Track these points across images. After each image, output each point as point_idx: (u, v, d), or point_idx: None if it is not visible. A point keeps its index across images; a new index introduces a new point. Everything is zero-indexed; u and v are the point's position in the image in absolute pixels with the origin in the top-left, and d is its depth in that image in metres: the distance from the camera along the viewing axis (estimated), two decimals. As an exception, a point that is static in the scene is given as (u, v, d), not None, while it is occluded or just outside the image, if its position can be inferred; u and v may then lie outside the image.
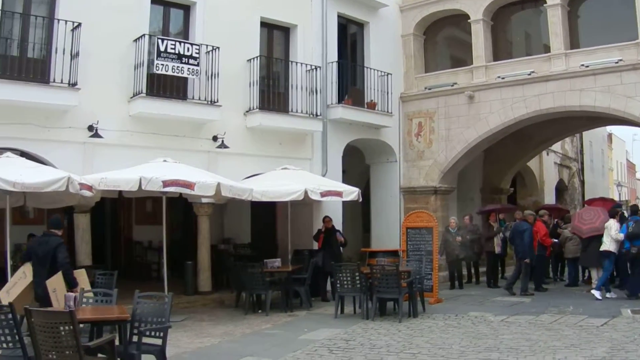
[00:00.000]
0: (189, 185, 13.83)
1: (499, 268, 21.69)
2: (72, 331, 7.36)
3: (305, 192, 16.39)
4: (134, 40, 16.45)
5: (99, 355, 8.47)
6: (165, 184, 13.59)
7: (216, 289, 18.41)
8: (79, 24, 15.16)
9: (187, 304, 16.73)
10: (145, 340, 9.06)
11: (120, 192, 15.78)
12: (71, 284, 10.86)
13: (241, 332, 13.69)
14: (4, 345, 8.22)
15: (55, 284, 10.67)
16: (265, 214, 21.43)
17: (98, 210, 16.64)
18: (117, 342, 8.79)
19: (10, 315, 8.07)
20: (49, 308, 9.29)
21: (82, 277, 11.43)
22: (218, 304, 17.55)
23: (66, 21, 15.07)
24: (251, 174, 18.37)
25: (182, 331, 13.36)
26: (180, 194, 15.48)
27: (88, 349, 7.86)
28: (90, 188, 13.40)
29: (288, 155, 19.37)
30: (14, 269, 13.62)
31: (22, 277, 11.51)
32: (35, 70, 15.13)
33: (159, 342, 9.10)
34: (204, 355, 11.51)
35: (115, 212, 22.08)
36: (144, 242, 22.00)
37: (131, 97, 16.38)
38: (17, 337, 8.09)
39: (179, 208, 19.57)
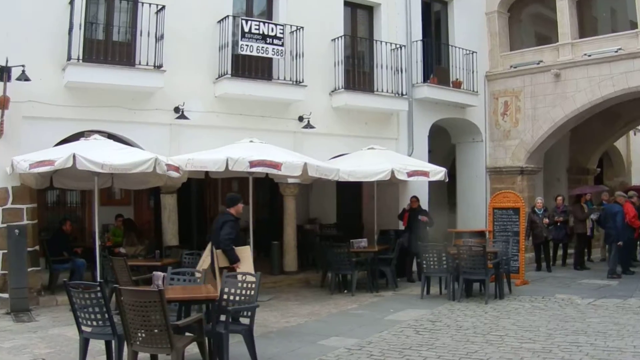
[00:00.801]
0: (276, 165, 13.84)
1: (586, 250, 21.17)
2: (161, 310, 7.41)
3: (392, 172, 16.26)
4: (217, 22, 16.56)
5: (187, 334, 8.54)
6: (252, 164, 13.62)
7: (302, 269, 18.49)
8: (163, 7, 15.33)
9: (273, 284, 16.83)
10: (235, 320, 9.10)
11: (206, 172, 15.94)
12: (232, 260, 11.29)
13: (327, 312, 13.69)
14: (94, 322, 8.37)
15: (221, 259, 11.33)
16: (350, 194, 21.41)
17: (184, 190, 16.83)
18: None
19: (100, 294, 8.18)
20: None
21: (245, 253, 11.69)
22: (304, 284, 17.62)
23: (150, 4, 15.26)
24: (337, 154, 18.32)
25: (269, 311, 13.42)
26: (267, 174, 15.55)
27: (176, 328, 7.93)
28: (177, 169, 13.58)
29: (373, 135, 19.22)
30: (102, 249, 13.97)
31: (208, 254, 12.00)
32: (121, 54, 15.43)
33: (246, 321, 9.12)
34: (290, 334, 11.51)
35: (201, 192, 22.31)
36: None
37: (216, 78, 16.51)
38: (106, 315, 8.21)
39: (265, 188, 19.71)
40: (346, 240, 16.99)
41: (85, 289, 8.42)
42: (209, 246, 11.99)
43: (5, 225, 13.93)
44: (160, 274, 8.74)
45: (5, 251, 13.83)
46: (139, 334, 7.72)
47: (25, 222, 14.23)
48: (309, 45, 17.45)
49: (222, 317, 8.94)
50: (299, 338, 11.17)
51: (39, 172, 13.10)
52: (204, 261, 12.07)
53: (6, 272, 13.86)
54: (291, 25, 17.25)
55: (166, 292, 7.82)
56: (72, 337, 10.83)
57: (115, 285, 7.96)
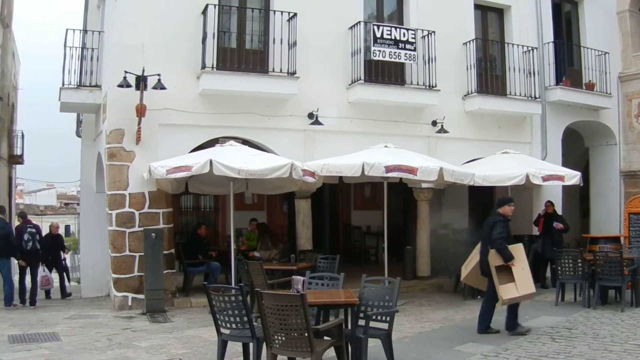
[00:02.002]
0: (412, 170, 13.75)
1: None
2: (302, 314, 7.44)
3: (527, 177, 15.93)
4: (349, 28, 16.63)
5: (325, 337, 8.56)
6: (388, 169, 13.60)
7: (434, 274, 18.28)
8: (295, 14, 15.49)
9: (405, 289, 16.68)
10: (371, 324, 9.06)
11: (340, 177, 16.01)
12: (506, 258, 11.33)
13: (461, 318, 13.50)
14: (233, 325, 8.50)
15: (494, 259, 11.35)
16: (483, 198, 21.07)
17: (317, 195, 16.95)
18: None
19: (240, 297, 8.29)
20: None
21: (518, 251, 11.63)
22: (436, 289, 17.46)
23: (282, 12, 15.48)
24: (470, 158, 18.12)
25: (403, 315, 13.31)
26: (400, 179, 15.50)
27: (316, 332, 7.94)
28: (312, 174, 13.71)
29: (506, 139, 18.87)
30: (237, 252, 14.20)
31: (476, 254, 12.22)
32: (254, 61, 15.68)
33: (384, 326, 9.06)
34: (425, 340, 11.40)
35: (334, 197, 22.42)
36: (362, 227, 22.28)
37: (349, 84, 16.59)
38: (245, 318, 8.31)
39: (397, 193, 19.62)
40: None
41: (226, 292, 8.56)
42: (478, 245, 12.10)
43: (142, 228, 14.44)
44: (300, 278, 8.78)
45: (142, 254, 14.31)
46: (278, 337, 7.77)
47: (161, 226, 14.73)
48: (440, 49, 17.29)
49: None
50: (434, 343, 11.05)
51: (175, 177, 13.47)
52: (472, 259, 12.42)
53: (142, 274, 14.35)
54: (422, 30, 17.14)
55: (307, 296, 7.84)
56: (207, 338, 11.14)
57: (257, 289, 8.03)
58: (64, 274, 18.44)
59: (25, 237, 16.20)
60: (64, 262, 17.75)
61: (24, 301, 16.21)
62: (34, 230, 16.55)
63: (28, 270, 16.63)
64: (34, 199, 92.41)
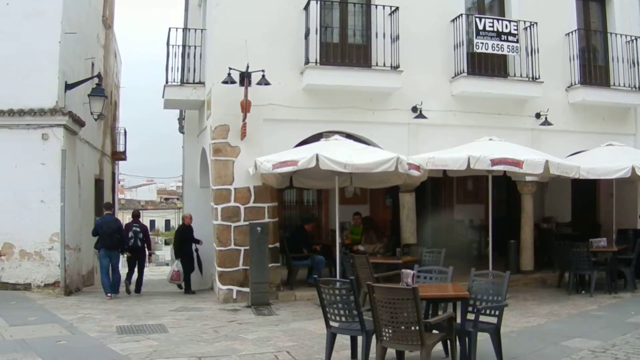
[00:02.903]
0: (517, 163, 13.52)
1: None
2: (413, 307, 7.42)
3: (632, 169, 15.48)
4: (451, 21, 16.48)
5: (433, 331, 8.51)
6: (494, 162, 13.41)
7: (538, 268, 17.99)
8: (397, 8, 15.44)
9: (509, 283, 16.44)
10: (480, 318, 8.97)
11: (444, 171, 15.90)
12: None
13: (567, 313, 13.22)
14: (342, 318, 8.55)
15: None
16: (586, 191, 20.63)
17: (419, 189, 16.85)
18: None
19: (350, 291, 8.32)
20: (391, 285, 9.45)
21: None
22: (540, 284, 17.17)
23: (384, 6, 15.43)
24: (574, 151, 17.67)
25: (507, 310, 12.91)
26: (504, 172, 15.30)
27: (426, 325, 7.90)
28: (418, 168, 13.62)
29: (610, 131, 18.34)
30: (342, 246, 14.26)
31: None
32: (357, 56, 15.71)
33: (492, 320, 8.95)
34: (531, 335, 11.21)
35: (436, 191, 22.26)
36: (465, 221, 22.09)
37: (452, 77, 16.46)
38: (354, 312, 8.33)
39: (501, 186, 19.39)
40: (581, 239, 16.40)
41: (336, 286, 8.60)
42: None
43: (247, 223, 14.63)
44: (409, 271, 8.74)
45: (247, 247, 14.48)
46: (387, 331, 7.76)
47: (266, 220, 14.92)
48: (542, 40, 16.94)
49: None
50: (540, 338, 10.85)
51: (281, 172, 13.58)
52: None
53: (247, 267, 14.56)
54: (524, 21, 16.85)
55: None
56: (313, 331, 11.20)
57: (368, 283, 8.04)
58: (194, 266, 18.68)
59: (130, 234, 18.19)
60: (196, 252, 18.26)
61: (129, 291, 18.00)
62: (138, 229, 18.42)
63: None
64: (134, 194, 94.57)
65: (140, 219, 19.73)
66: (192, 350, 10.05)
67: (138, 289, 18.33)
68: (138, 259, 18.70)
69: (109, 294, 17.05)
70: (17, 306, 14.60)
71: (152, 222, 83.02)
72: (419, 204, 16.97)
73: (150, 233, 20.14)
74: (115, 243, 17.49)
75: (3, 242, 16.88)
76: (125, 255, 19.24)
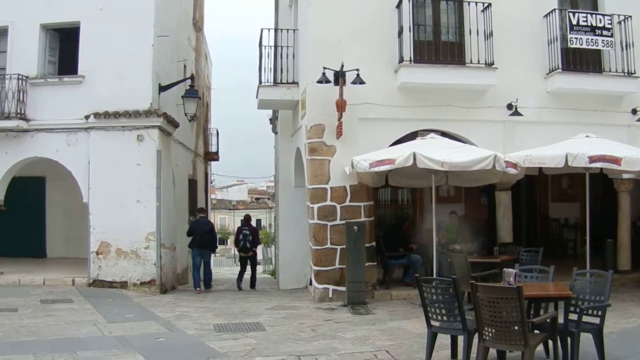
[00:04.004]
0: (616, 160, 13.18)
1: None
2: (517, 307, 7.33)
3: None
4: (544, 16, 16.20)
5: (535, 331, 8.39)
6: (592, 159, 13.11)
7: (634, 268, 17.54)
8: (489, 4, 15.30)
9: (607, 283, 16.14)
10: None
11: (539, 169, 15.66)
12: None
13: (668, 314, 12.87)
14: (443, 317, 8.51)
15: None
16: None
17: (514, 187, 16.63)
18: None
19: (452, 290, 8.27)
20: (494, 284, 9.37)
21: None
22: (637, 283, 16.69)
23: (476, 2, 15.31)
24: (673, 147, 17.11)
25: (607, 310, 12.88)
26: (601, 169, 14.97)
27: (528, 325, 7.80)
28: (515, 166, 13.48)
29: None
30: (437, 245, 14.18)
31: None
32: (451, 53, 15.58)
33: (594, 320, 8.77)
34: (632, 336, 10.93)
35: (531, 189, 21.93)
36: (560, 219, 21.72)
37: (547, 74, 16.15)
38: (456, 311, 8.29)
39: (596, 184, 18.97)
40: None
41: (438, 284, 8.56)
42: None
43: (343, 222, 14.66)
44: (511, 270, 8.65)
45: (344, 247, 14.54)
46: (489, 330, 7.68)
47: (362, 219, 14.93)
48: (637, 35, 16.48)
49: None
50: (642, 341, 10.63)
51: (378, 170, 13.57)
52: None
53: (343, 266, 14.61)
54: (618, 15, 16.42)
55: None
56: (411, 330, 11.16)
57: (472, 282, 7.98)
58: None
59: (240, 237, 20.88)
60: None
61: (240, 287, 20.53)
62: (248, 232, 20.79)
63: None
64: (225, 194, 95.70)
65: (251, 222, 21.88)
66: (291, 349, 10.10)
67: (253, 285, 21.02)
68: (249, 259, 21.14)
69: (198, 289, 19.01)
70: (114, 303, 15.05)
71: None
72: (513, 203, 16.76)
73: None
74: (206, 243, 19.46)
75: (100, 241, 17.45)
76: (240, 256, 21.66)
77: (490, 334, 7.68)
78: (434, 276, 13.23)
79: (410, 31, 15.05)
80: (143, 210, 17.44)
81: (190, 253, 19.79)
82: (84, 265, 18.02)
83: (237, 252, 23.52)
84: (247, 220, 21.96)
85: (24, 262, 20.87)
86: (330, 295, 14.91)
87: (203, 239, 19.28)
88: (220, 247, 41.74)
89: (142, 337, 11.07)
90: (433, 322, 8.63)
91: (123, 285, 17.31)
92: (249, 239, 20.71)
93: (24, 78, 17.97)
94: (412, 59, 15.06)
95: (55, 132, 18.09)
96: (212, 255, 20.91)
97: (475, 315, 7.73)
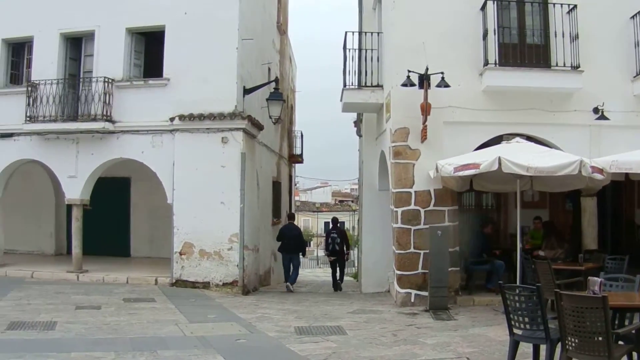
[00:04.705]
0: None
1: None
2: (602, 317, 7.18)
3: None
4: (630, 17, 15.73)
5: (619, 342, 8.19)
6: (680, 164, 12.79)
7: None
8: (575, 6, 14.96)
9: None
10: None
11: (626, 174, 15.30)
12: None
13: None
14: (526, 326, 8.35)
15: None
16: None
17: (599, 193, 16.26)
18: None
19: (536, 298, 8.15)
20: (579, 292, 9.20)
21: None
22: None
23: (562, 4, 15.00)
24: None
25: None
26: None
27: (613, 336, 7.63)
28: (601, 171, 13.16)
29: None
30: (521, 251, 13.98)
31: None
32: (536, 56, 15.31)
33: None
34: None
35: (616, 195, 21.43)
36: (646, 226, 21.21)
37: (634, 77, 15.65)
38: (539, 319, 8.15)
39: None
40: None
41: (521, 292, 8.44)
42: None
43: (427, 226, 14.59)
44: (596, 279, 8.47)
45: (427, 251, 14.46)
46: (572, 340, 7.53)
47: (446, 223, 14.82)
48: None
49: None
50: None
51: (463, 175, 13.45)
52: None
53: (426, 271, 14.53)
54: None
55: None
56: (493, 337, 11.01)
57: (556, 290, 7.84)
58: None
59: (329, 240, 22.15)
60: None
61: (336, 287, 22.03)
62: (335, 235, 22.13)
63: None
64: (309, 196, 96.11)
65: (338, 225, 23.36)
66: (371, 354, 10.09)
67: (338, 286, 22.03)
68: (338, 261, 22.37)
69: (288, 283, 20.38)
70: (196, 304, 15.28)
71: (327, 224, 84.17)
72: (598, 209, 16.41)
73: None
74: (295, 247, 21.02)
75: (184, 242, 17.76)
76: (330, 259, 22.86)
77: (573, 344, 7.52)
78: (518, 283, 13.04)
79: (495, 34, 14.87)
80: (227, 212, 17.68)
81: (273, 255, 20.09)
82: (167, 265, 18.38)
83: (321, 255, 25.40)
84: (334, 223, 23.13)
85: (108, 261, 21.44)
86: (412, 300, 14.85)
87: (292, 243, 20.79)
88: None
89: (222, 338, 11.22)
90: (515, 330, 8.50)
91: (205, 285, 17.58)
92: (337, 242, 21.95)
93: (110, 81, 18.45)
94: (497, 62, 14.88)
95: (140, 133, 18.52)
96: (301, 258, 22.42)
97: (559, 324, 7.60)
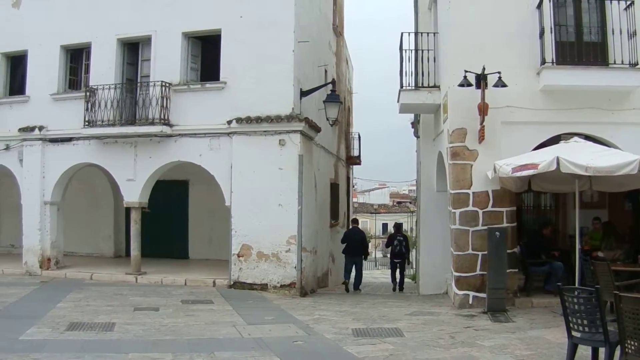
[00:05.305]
0: None
1: None
2: (662, 320, 7.07)
3: None
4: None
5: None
6: None
7: None
8: (632, 2, 14.73)
9: None
10: None
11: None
12: None
13: None
14: (585, 328, 8.27)
15: None
16: None
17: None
18: None
19: (595, 300, 8.04)
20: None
21: None
22: None
23: (618, 1, 14.79)
24: None
25: None
26: None
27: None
28: (661, 171, 12.92)
29: None
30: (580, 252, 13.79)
31: None
32: (594, 54, 15.08)
33: None
34: None
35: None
36: None
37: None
38: (598, 322, 8.06)
39: None
40: None
41: (580, 294, 8.34)
42: None
43: (486, 227, 14.48)
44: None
45: (485, 252, 14.33)
46: (632, 343, 7.41)
47: (504, 224, 14.68)
48: None
49: None
50: None
51: (521, 175, 13.31)
52: None
53: (485, 272, 14.41)
54: None
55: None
56: (551, 340, 10.87)
57: (615, 292, 7.72)
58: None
59: (395, 242, 22.67)
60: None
61: (395, 289, 22.85)
62: (401, 238, 22.76)
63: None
64: (367, 197, 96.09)
65: (401, 230, 24.18)
66: (429, 356, 10.06)
67: (401, 287, 22.94)
68: (400, 264, 23.01)
69: (347, 280, 21.54)
70: (254, 305, 15.40)
71: (384, 225, 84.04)
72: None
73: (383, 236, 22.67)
74: (358, 250, 21.86)
75: (242, 244, 17.91)
76: (395, 261, 23.19)
77: (633, 347, 7.40)
78: (576, 284, 12.87)
79: (551, 32, 14.69)
80: (284, 214, 17.77)
81: (331, 257, 20.20)
82: (225, 267, 18.55)
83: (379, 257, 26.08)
84: (398, 228, 24.00)
85: (167, 263, 21.75)
86: (470, 302, 14.77)
87: (356, 246, 21.72)
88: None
89: (280, 340, 11.28)
90: (574, 333, 8.42)
91: (263, 287, 17.68)
92: (403, 244, 22.60)
93: (167, 85, 18.70)
94: (554, 61, 14.69)
95: (197, 137, 18.75)
96: (364, 261, 23.13)
97: (618, 326, 7.49)
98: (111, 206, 24.99)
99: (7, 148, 21.22)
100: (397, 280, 23.07)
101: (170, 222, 23.82)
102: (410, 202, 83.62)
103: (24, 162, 20.79)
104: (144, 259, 19.80)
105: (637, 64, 14.60)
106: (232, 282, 18.02)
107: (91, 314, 13.39)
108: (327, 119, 20.01)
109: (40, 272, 20.15)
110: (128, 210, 20.47)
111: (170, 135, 18.89)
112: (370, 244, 32.13)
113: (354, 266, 21.80)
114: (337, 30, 28.23)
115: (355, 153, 34.99)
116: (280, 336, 11.66)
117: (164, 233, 23.47)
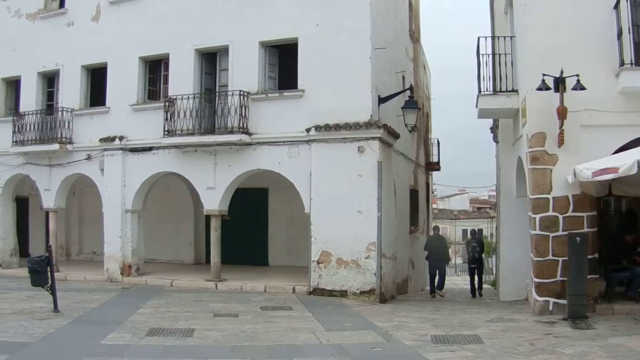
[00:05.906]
0: None
1: None
2: None
3: None
4: None
5: None
6: None
7: None
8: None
9: None
10: None
11: None
12: None
13: None
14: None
15: None
16: None
17: None
18: None
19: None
20: None
21: None
22: None
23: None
24: None
25: None
26: None
27: None
28: None
29: None
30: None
31: None
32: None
33: None
34: None
35: None
36: None
37: None
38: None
39: None
40: None
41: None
42: None
43: (566, 232, 14.25)
44: None
45: (566, 258, 14.09)
46: None
47: (585, 229, 14.40)
48: None
49: None
50: None
51: (601, 180, 13.08)
52: None
53: (565, 279, 14.17)
54: None
55: None
56: (633, 348, 10.71)
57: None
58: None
59: (469, 248, 23.62)
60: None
61: (474, 293, 23.21)
62: (475, 244, 23.35)
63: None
64: (447, 203, 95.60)
65: (477, 236, 24.96)
66: (507, 363, 9.93)
67: (480, 293, 23.24)
68: (478, 269, 23.54)
69: (432, 294, 22.14)
70: (333, 312, 15.52)
71: (464, 231, 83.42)
72: None
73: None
74: (440, 256, 22.66)
75: (321, 251, 18.04)
76: (471, 267, 24.02)
77: None
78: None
79: (629, 32, 14.34)
80: (364, 221, 17.84)
81: (410, 263, 20.25)
82: (304, 274, 18.71)
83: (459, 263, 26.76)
84: (473, 233, 24.85)
85: (246, 269, 22.06)
86: (550, 308, 14.54)
87: (437, 252, 22.50)
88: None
89: (358, 347, 11.30)
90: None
91: (342, 294, 17.76)
92: (477, 250, 23.21)
93: (246, 94, 18.98)
94: (633, 62, 14.31)
95: (276, 145, 19.01)
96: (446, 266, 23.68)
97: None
98: (191, 214, 25.43)
99: (89, 158, 21.88)
100: (475, 285, 23.34)
101: (250, 229, 24.13)
102: (490, 208, 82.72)
103: (105, 172, 21.42)
104: (224, 266, 20.09)
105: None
106: (311, 289, 18.17)
107: (171, 319, 13.67)
108: (406, 125, 20.02)
109: (121, 278, 20.70)
110: (208, 217, 20.83)
111: (249, 144, 19.16)
112: (450, 250, 32.35)
113: (437, 271, 22.52)
114: (414, 36, 28.20)
115: (435, 159, 34.98)
116: (359, 342, 11.68)
117: (243, 240, 23.78)
